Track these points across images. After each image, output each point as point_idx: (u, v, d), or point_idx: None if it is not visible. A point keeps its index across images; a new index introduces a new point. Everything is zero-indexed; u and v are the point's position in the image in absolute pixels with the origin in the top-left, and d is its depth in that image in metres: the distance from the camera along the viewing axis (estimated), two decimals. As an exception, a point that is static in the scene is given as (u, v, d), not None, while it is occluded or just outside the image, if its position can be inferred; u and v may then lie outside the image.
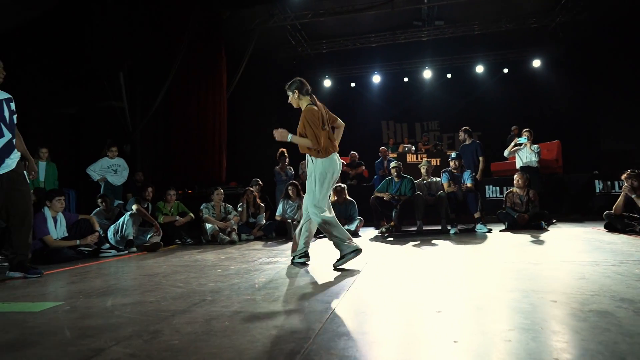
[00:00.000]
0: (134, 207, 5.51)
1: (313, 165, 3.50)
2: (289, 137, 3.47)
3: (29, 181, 5.29)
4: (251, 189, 6.91)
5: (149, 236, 5.44)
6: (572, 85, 12.21)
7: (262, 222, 6.56)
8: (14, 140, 3.43)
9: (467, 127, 7.71)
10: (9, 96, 3.39)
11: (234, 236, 5.88)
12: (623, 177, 5.33)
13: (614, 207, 5.34)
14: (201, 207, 6.16)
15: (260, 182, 7.60)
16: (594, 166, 10.00)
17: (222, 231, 5.92)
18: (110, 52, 8.45)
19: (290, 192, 6.72)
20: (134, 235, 5.29)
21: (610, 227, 5.33)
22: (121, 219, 5.35)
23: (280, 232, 6.50)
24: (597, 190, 8.03)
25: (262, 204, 6.85)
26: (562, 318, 1.85)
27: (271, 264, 3.75)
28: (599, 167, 10.12)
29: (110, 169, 6.81)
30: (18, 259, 3.44)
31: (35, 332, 1.90)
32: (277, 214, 6.72)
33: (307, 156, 3.58)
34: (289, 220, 6.42)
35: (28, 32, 7.70)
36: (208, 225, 5.93)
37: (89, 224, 4.94)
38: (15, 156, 3.41)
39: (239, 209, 6.54)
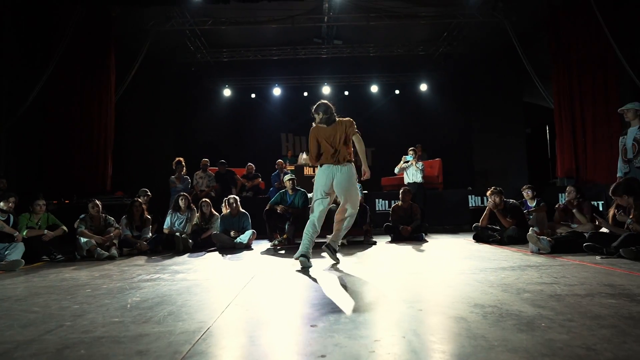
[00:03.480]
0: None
1: None
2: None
3: None
4: (139, 200, 6.44)
5: (6, 252, 4.74)
6: (451, 109, 13.52)
7: (148, 236, 6.12)
8: None
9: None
10: None
11: (114, 251, 5.39)
12: (487, 193, 6.01)
13: (480, 220, 5.99)
14: (78, 219, 5.57)
15: (149, 193, 7.13)
16: (469, 183, 11.17)
17: (100, 246, 5.40)
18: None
19: (180, 203, 6.41)
20: (-13, 251, 4.58)
21: (478, 238, 5.96)
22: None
23: (168, 246, 6.13)
24: (470, 205, 8.96)
25: (149, 217, 6.41)
26: (424, 326, 1.99)
27: (151, 281, 3.50)
28: (473, 184, 11.33)
29: None
30: None
31: None
32: (165, 226, 6.35)
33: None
34: (177, 234, 6.09)
35: None
36: (83, 240, 5.36)
37: None
38: None
39: (123, 221, 6.05)
